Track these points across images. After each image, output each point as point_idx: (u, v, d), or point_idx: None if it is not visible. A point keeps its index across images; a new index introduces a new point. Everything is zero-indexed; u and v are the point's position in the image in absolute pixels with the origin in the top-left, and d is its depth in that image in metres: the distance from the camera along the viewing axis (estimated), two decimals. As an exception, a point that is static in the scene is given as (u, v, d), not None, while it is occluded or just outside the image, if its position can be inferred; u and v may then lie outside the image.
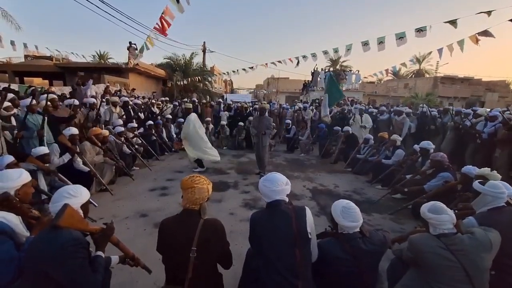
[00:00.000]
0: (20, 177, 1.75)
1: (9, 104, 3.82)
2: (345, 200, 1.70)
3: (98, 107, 5.53)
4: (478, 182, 1.97)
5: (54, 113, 4.48)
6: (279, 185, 1.61)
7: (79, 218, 1.40)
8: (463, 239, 1.46)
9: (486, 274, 1.47)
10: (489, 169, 2.63)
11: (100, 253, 1.46)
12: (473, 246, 1.44)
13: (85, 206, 1.49)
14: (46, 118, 3.99)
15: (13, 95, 4.30)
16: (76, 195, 1.43)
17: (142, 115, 6.98)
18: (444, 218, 1.50)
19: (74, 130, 3.85)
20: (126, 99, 6.89)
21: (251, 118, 7.41)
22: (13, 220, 1.48)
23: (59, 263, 1.23)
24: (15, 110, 3.93)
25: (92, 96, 6.86)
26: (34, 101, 4.07)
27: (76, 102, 5.15)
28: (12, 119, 3.83)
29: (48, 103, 4.39)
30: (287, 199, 1.65)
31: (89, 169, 3.78)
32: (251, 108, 9.89)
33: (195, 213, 1.50)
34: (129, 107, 6.55)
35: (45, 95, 4.56)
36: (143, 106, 7.62)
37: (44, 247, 1.25)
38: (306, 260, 1.53)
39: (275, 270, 1.48)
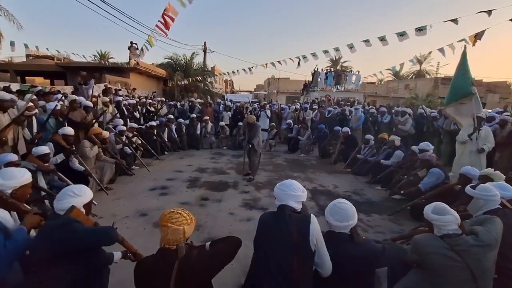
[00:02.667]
0: (23, 177, 1.77)
1: (31, 104, 3.87)
2: (341, 199, 1.67)
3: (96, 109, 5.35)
4: (470, 186, 1.96)
5: (71, 115, 4.39)
6: (295, 190, 1.60)
7: (84, 218, 1.47)
8: (467, 240, 1.45)
9: (490, 273, 1.47)
10: (492, 169, 2.64)
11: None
12: (479, 247, 1.43)
13: (88, 205, 1.57)
14: (66, 122, 4.09)
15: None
16: (80, 194, 1.52)
17: (137, 114, 7.04)
18: (449, 218, 1.48)
19: (69, 130, 3.77)
20: (119, 98, 6.93)
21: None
22: (6, 217, 1.51)
23: (66, 240, 1.30)
24: (36, 110, 3.96)
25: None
26: (59, 106, 4.18)
27: (89, 103, 5.05)
28: (34, 119, 3.85)
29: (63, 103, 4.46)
30: (299, 207, 1.61)
31: (84, 168, 3.74)
32: (251, 107, 9.89)
33: (170, 253, 1.30)
34: (123, 106, 6.58)
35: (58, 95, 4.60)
36: (138, 106, 7.63)
37: (47, 239, 1.32)
38: (305, 271, 1.47)
39: (273, 277, 1.44)
